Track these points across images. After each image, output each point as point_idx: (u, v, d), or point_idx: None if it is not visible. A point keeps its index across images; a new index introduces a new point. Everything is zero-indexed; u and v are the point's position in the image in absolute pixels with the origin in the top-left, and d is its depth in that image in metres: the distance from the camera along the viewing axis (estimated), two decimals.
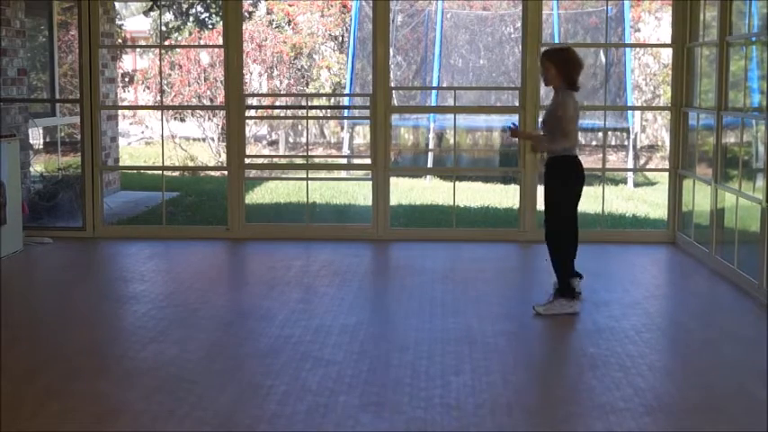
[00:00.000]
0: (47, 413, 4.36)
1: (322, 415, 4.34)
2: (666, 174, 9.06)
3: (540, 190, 8.68)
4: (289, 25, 18.13)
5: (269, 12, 18.36)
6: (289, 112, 16.87)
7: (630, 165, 15.71)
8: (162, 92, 13.14)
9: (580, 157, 6.36)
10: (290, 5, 18.10)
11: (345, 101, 16.05)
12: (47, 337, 5.67)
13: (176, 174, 14.65)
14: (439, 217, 10.84)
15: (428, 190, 13.39)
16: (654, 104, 18.27)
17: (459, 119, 12.40)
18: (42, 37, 11.34)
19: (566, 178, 6.22)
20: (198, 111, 16.14)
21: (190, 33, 18.39)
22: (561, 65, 6.21)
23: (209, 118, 16.15)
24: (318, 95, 17.78)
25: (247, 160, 9.21)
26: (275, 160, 14.36)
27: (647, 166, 17.17)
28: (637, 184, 14.57)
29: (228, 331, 5.84)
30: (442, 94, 16.46)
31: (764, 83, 6.97)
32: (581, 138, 18.19)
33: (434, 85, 16.25)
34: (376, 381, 4.81)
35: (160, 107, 12.74)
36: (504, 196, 12.50)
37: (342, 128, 17.42)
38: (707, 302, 6.82)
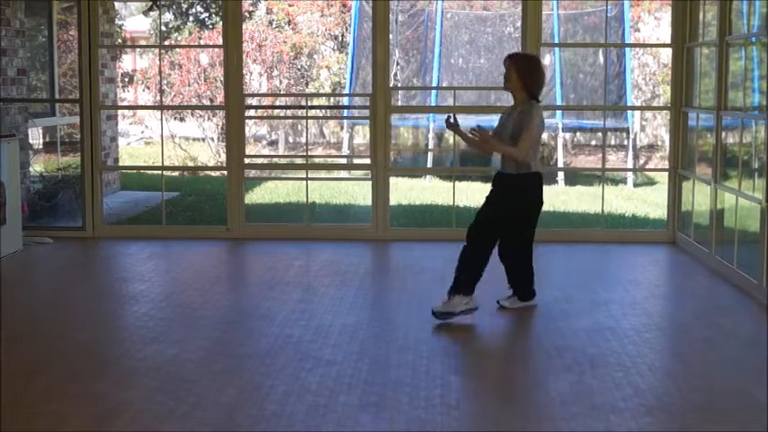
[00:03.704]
0: (46, 413, 4.35)
1: (322, 415, 4.34)
2: (666, 174, 9.06)
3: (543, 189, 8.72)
4: (288, 25, 18.13)
5: (269, 12, 18.36)
6: (288, 112, 16.87)
7: (630, 164, 15.72)
8: (162, 92, 13.13)
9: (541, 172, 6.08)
10: (290, 5, 18.11)
11: (345, 101, 16.05)
12: (47, 337, 5.67)
13: (176, 174, 14.65)
14: (439, 217, 10.84)
15: (428, 190, 13.39)
16: (653, 104, 18.26)
17: (459, 119, 12.37)
18: (42, 37, 11.34)
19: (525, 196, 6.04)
20: (198, 111, 16.14)
21: (190, 33, 18.40)
22: (523, 71, 5.94)
23: (209, 118, 16.15)
24: (318, 95, 17.78)
25: (247, 160, 9.21)
26: (275, 160, 14.36)
27: (647, 166, 17.17)
28: (636, 184, 14.57)
29: (228, 331, 5.83)
30: (441, 94, 16.46)
31: (764, 83, 6.97)
32: (581, 137, 18.23)
33: (434, 84, 16.25)
34: (376, 381, 4.81)
35: (160, 107, 12.75)
36: None
37: (342, 128, 17.43)
38: (707, 302, 6.81)
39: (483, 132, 5.90)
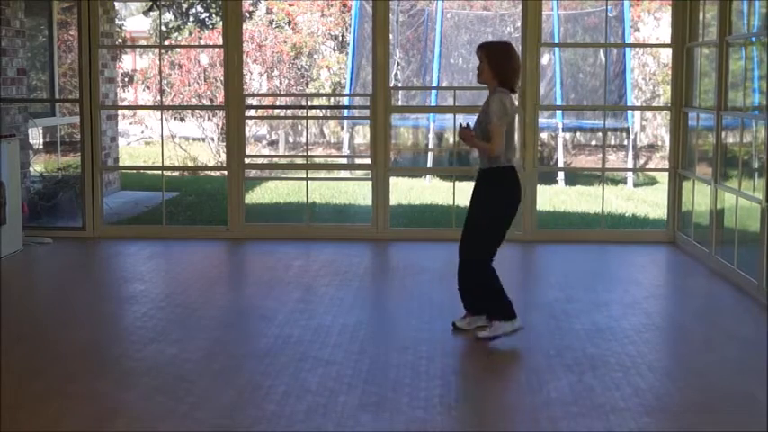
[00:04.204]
0: (46, 413, 4.35)
1: (322, 415, 4.34)
2: (666, 173, 9.06)
3: (540, 190, 8.74)
4: (289, 25, 18.13)
5: (269, 11, 18.36)
6: (289, 112, 16.87)
7: (630, 164, 15.71)
8: (162, 92, 13.14)
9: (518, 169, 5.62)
10: (290, 5, 18.11)
11: (345, 101, 16.05)
12: (46, 337, 5.67)
13: (176, 174, 14.65)
14: (439, 217, 10.84)
15: (428, 190, 13.39)
16: (653, 104, 18.26)
17: (459, 119, 12.38)
18: (42, 37, 11.34)
19: (496, 193, 5.55)
20: (198, 111, 16.14)
21: (190, 33, 18.39)
22: (494, 60, 5.53)
23: (209, 118, 16.15)
24: (318, 95, 17.78)
25: (247, 160, 9.21)
26: (275, 160, 14.36)
27: (647, 166, 17.17)
28: (636, 184, 14.57)
29: (228, 331, 5.83)
30: (441, 94, 16.46)
31: (764, 83, 6.97)
32: (581, 137, 18.23)
33: (434, 84, 16.26)
34: (375, 381, 4.81)
35: (160, 107, 12.75)
36: None
37: (342, 128, 17.43)
38: (707, 302, 6.81)
39: (465, 131, 5.57)
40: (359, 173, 12.19)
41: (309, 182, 9.37)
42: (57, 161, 11.56)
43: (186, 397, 4.56)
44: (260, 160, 13.77)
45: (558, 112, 15.62)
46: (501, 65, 5.54)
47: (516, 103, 5.60)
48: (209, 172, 14.99)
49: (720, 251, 7.49)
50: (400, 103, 16.50)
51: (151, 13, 18.88)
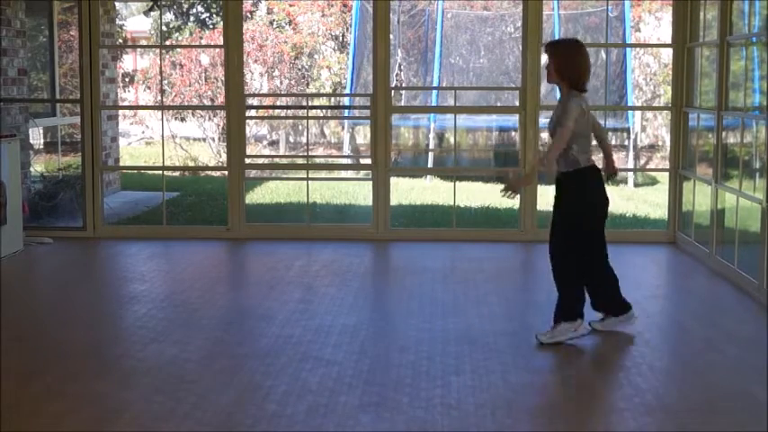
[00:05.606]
0: (47, 413, 4.36)
1: (322, 415, 4.34)
2: (667, 174, 9.06)
3: (541, 190, 8.74)
4: (289, 25, 18.14)
5: (269, 12, 18.37)
6: (289, 112, 16.88)
7: (631, 165, 15.71)
8: (162, 92, 13.13)
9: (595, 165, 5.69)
10: (290, 5, 18.12)
11: (346, 101, 16.06)
12: (47, 337, 5.67)
13: (177, 174, 14.65)
14: (439, 217, 10.84)
15: (428, 190, 13.39)
16: (654, 104, 18.27)
17: (460, 119, 12.40)
18: (43, 37, 11.34)
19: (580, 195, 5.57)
20: (198, 111, 16.14)
21: (190, 33, 18.41)
22: (560, 59, 5.47)
23: (210, 118, 16.15)
24: (319, 95, 17.78)
25: (248, 160, 9.21)
26: (276, 160, 14.36)
27: (648, 166, 17.18)
28: (637, 184, 14.57)
29: (228, 331, 5.83)
30: (442, 94, 16.46)
31: (765, 83, 6.97)
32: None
33: (435, 84, 16.25)
34: (376, 381, 4.81)
35: (161, 107, 12.75)
36: None
37: (342, 128, 17.44)
38: (707, 302, 6.81)
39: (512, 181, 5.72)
40: (359, 173, 12.19)
41: (310, 182, 9.37)
42: (57, 161, 11.56)
43: (187, 397, 4.56)
44: (260, 160, 13.77)
45: None
46: (568, 64, 5.43)
47: (586, 104, 5.56)
48: (209, 172, 15.00)
49: (721, 251, 7.49)
50: (402, 104, 16.52)
51: (152, 14, 18.89)
